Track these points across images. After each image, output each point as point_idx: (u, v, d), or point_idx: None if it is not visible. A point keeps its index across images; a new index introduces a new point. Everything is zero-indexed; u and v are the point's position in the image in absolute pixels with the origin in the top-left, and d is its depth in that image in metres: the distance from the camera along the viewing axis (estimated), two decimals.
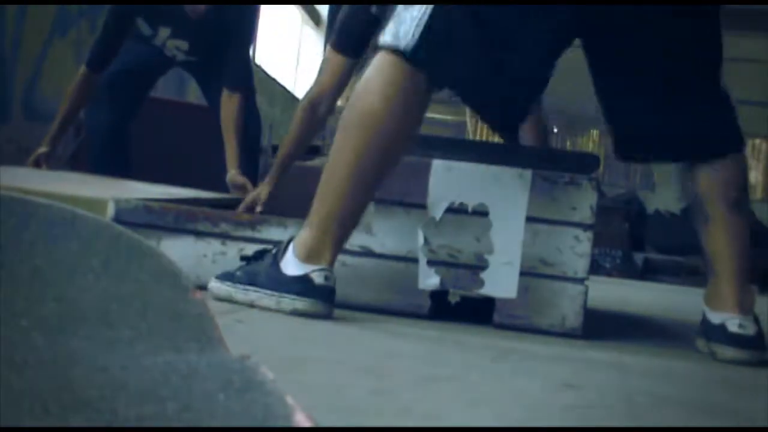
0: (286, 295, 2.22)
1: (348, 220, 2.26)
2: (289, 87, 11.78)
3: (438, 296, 2.59)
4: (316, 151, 7.83)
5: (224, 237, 2.63)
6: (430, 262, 2.56)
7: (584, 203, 2.53)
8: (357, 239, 2.50)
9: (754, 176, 15.82)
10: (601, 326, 3.11)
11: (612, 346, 2.36)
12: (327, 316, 2.22)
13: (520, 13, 2.27)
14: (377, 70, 2.23)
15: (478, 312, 2.56)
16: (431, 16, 2.21)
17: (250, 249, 2.50)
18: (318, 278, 2.21)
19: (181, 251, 2.64)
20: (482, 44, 2.26)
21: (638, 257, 10.29)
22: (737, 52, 14.97)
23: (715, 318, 2.30)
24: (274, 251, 2.30)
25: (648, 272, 9.67)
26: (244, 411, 0.65)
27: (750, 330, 2.27)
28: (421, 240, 2.56)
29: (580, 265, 2.53)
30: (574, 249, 2.53)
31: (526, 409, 1.39)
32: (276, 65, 11.28)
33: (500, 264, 2.53)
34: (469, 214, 2.55)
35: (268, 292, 2.24)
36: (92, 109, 4.64)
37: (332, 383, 1.42)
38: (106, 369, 0.66)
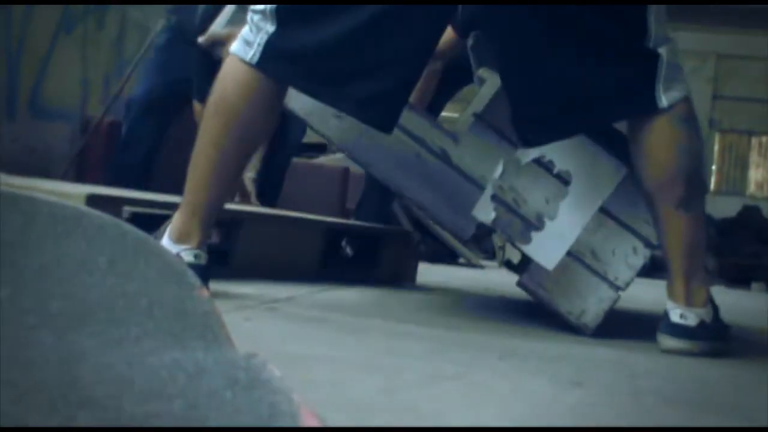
0: None
1: (213, 204, 2.38)
2: None
3: (484, 230, 2.59)
4: (321, 149, 7.84)
5: None
6: (494, 197, 2.56)
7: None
8: (441, 141, 2.53)
9: (761, 174, 15.79)
10: (608, 324, 3.11)
11: (619, 345, 2.36)
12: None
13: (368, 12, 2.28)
14: (230, 73, 2.34)
15: (510, 263, 2.56)
16: (276, 28, 2.29)
17: None
18: (187, 257, 2.29)
19: None
20: (329, 46, 2.30)
21: None
22: (743, 50, 14.96)
23: (666, 309, 2.33)
24: (155, 233, 2.40)
25: (655, 270, 9.66)
26: (250, 408, 0.64)
27: (691, 321, 2.29)
28: (497, 172, 2.55)
29: (624, 274, 2.52)
30: (627, 258, 2.53)
31: (533, 407, 1.38)
32: None
33: (554, 233, 2.52)
34: (551, 174, 2.54)
35: None
36: (136, 120, 4.69)
37: (338, 381, 1.42)
38: (113, 366, 0.66)
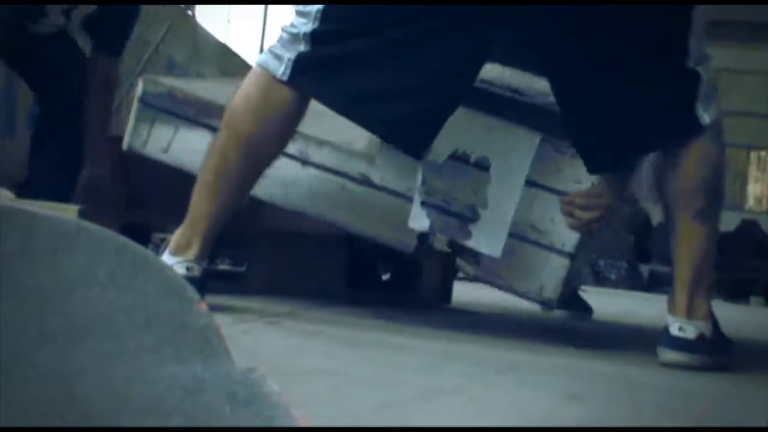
0: None
1: (216, 219, 2.37)
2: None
3: (425, 239, 2.58)
4: None
5: None
6: (424, 204, 2.54)
7: (587, 179, 2.47)
8: (359, 167, 2.51)
9: (760, 188, 15.80)
10: (607, 338, 3.11)
11: (618, 359, 2.36)
12: None
13: (414, 31, 2.27)
14: (252, 83, 2.34)
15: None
16: (309, 47, 2.29)
17: None
18: (180, 269, 2.28)
19: (195, 144, 2.69)
20: (362, 65, 2.30)
21: (644, 269, 10.29)
22: (742, 65, 14.98)
23: (666, 323, 2.32)
24: (160, 248, 2.44)
25: (654, 284, 9.66)
26: (249, 424, 0.64)
27: (690, 334, 2.28)
28: (419, 179, 2.54)
29: (570, 239, 2.49)
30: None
31: (532, 421, 1.38)
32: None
33: (491, 220, 2.49)
34: (470, 165, 2.52)
35: None
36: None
37: (337, 396, 1.41)
38: (111, 381, 0.66)
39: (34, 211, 0.73)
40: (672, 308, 2.34)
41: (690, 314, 2.30)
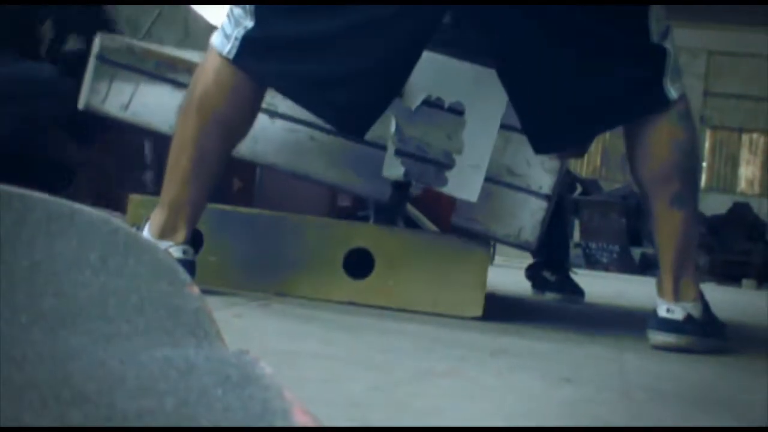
0: None
1: (196, 201, 2.37)
2: None
3: (400, 187, 2.57)
4: None
5: None
6: (398, 152, 2.52)
7: None
8: None
9: (751, 171, 15.83)
10: (599, 321, 3.12)
11: (610, 342, 2.37)
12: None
13: (349, 15, 2.26)
14: (210, 67, 2.33)
15: (437, 217, 2.53)
16: (254, 24, 2.28)
17: None
18: (176, 253, 2.28)
19: (157, 99, 2.64)
20: (310, 48, 2.29)
21: (635, 252, 10.33)
22: (735, 47, 14.99)
23: (655, 306, 2.33)
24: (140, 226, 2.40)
25: (645, 267, 9.69)
26: (242, 406, 0.65)
27: (678, 315, 2.30)
28: (392, 128, 2.52)
29: (546, 181, 2.49)
30: (544, 164, 2.49)
31: (524, 403, 1.39)
32: None
33: (467, 165, 2.48)
34: (443, 110, 2.50)
35: None
36: None
37: (330, 378, 1.42)
38: (105, 363, 0.66)
39: (27, 194, 0.73)
40: (660, 291, 2.35)
41: (677, 296, 2.31)
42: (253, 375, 0.67)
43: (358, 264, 2.59)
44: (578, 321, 2.98)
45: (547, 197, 2.48)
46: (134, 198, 2.71)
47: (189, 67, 2.66)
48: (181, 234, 2.33)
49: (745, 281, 9.75)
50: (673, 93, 2.27)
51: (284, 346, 1.71)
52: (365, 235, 2.62)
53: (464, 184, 2.47)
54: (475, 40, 2.47)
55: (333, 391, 1.29)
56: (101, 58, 2.82)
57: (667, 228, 2.33)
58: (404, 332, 2.14)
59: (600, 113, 2.34)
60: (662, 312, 2.31)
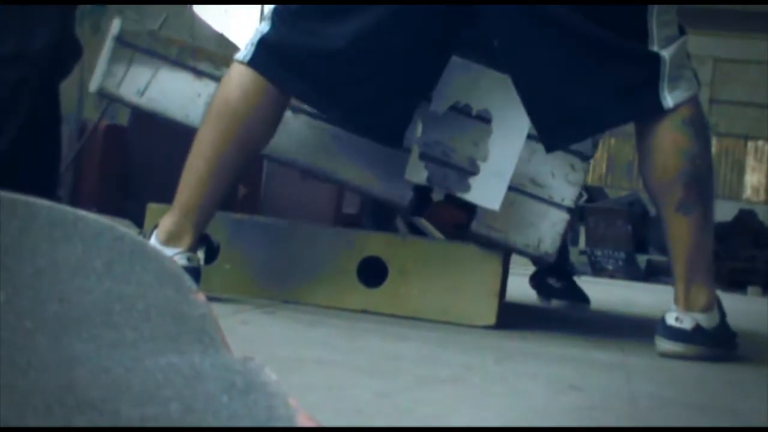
0: None
1: (207, 207, 2.36)
2: None
3: (422, 192, 2.56)
4: None
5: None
6: (423, 156, 2.51)
7: None
8: None
9: (757, 178, 15.81)
10: (605, 328, 3.11)
11: (615, 348, 2.36)
12: None
13: (374, 22, 2.27)
14: (233, 73, 2.34)
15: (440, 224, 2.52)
16: (270, 28, 2.31)
17: None
18: (181, 260, 2.26)
19: (176, 86, 2.63)
20: (329, 55, 2.30)
21: (641, 259, 10.30)
22: (740, 54, 14.98)
23: (665, 312, 2.33)
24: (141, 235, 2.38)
25: (651, 274, 9.67)
26: (247, 413, 0.65)
27: (686, 324, 2.29)
28: (418, 131, 2.51)
29: (568, 193, 2.48)
30: (567, 176, 2.49)
31: (529, 410, 1.38)
32: None
33: (491, 173, 2.47)
34: (471, 117, 2.51)
35: None
36: None
37: (335, 385, 1.42)
38: (110, 370, 0.66)
39: (32, 200, 0.73)
40: (674, 298, 2.34)
41: (687, 305, 2.31)
42: (259, 382, 0.67)
43: (372, 272, 2.59)
44: (584, 328, 2.98)
45: (568, 210, 2.48)
46: (152, 207, 2.69)
47: (211, 56, 2.65)
48: (187, 241, 2.32)
49: (750, 288, 9.72)
50: (669, 100, 2.26)
51: (289, 353, 1.71)
52: (379, 243, 2.61)
53: (487, 192, 2.47)
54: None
55: (338, 398, 1.29)
56: (120, 40, 2.77)
57: (675, 234, 2.33)
58: (409, 339, 2.14)
59: (591, 115, 2.35)
60: (671, 320, 2.30)
